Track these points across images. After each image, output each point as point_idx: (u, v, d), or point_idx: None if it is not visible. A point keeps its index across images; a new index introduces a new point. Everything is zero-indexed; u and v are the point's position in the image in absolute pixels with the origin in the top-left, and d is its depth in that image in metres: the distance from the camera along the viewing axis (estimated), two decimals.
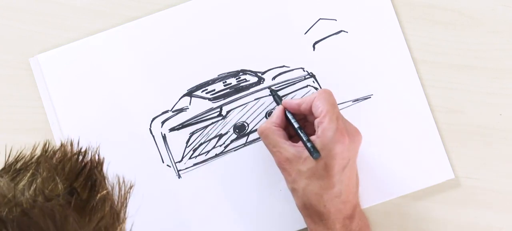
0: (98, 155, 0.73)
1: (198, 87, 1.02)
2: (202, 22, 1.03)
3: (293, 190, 0.94)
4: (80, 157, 0.72)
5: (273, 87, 1.01)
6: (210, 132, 1.01)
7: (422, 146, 1.00)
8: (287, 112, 0.96)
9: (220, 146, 1.01)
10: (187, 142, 1.01)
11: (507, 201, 0.99)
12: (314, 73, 1.02)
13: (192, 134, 1.01)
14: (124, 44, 1.02)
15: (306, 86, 1.01)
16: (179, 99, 1.02)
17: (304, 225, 0.98)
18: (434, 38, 1.02)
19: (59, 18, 1.04)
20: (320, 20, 1.03)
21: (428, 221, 0.99)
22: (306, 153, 0.91)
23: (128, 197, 0.75)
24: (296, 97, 1.01)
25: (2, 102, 1.02)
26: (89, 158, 0.72)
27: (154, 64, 1.02)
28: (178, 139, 1.01)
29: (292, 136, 0.96)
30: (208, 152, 1.01)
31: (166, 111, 1.01)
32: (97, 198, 0.70)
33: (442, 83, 1.01)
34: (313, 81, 1.01)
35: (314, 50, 1.02)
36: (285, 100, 0.97)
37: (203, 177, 1.00)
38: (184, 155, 1.01)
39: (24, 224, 0.66)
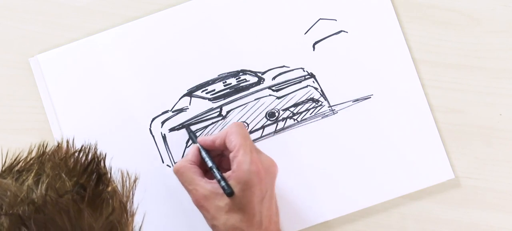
0: (98, 150, 0.74)
1: (198, 87, 1.02)
2: (202, 22, 1.03)
3: (214, 227, 0.92)
4: (83, 154, 0.73)
5: (190, 127, 1.00)
6: (210, 132, 1.01)
7: (422, 146, 1.00)
8: (201, 150, 0.95)
9: None
10: (187, 142, 1.01)
11: (507, 201, 0.99)
12: (314, 73, 1.02)
13: None
14: (124, 44, 1.02)
15: (306, 86, 1.01)
16: (179, 99, 1.01)
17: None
18: (434, 38, 1.02)
19: (59, 18, 1.04)
20: (320, 20, 1.03)
21: (428, 221, 0.99)
22: None
23: (133, 190, 0.76)
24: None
25: (2, 102, 1.02)
26: (91, 154, 0.74)
27: (154, 64, 1.02)
28: (178, 139, 1.01)
29: (208, 171, 0.94)
30: None
31: (166, 112, 1.01)
32: (107, 190, 0.71)
33: (442, 83, 1.01)
34: (313, 81, 1.01)
35: (314, 50, 1.02)
36: (200, 137, 0.97)
37: None
38: (184, 155, 1.01)
39: (40, 221, 0.67)
